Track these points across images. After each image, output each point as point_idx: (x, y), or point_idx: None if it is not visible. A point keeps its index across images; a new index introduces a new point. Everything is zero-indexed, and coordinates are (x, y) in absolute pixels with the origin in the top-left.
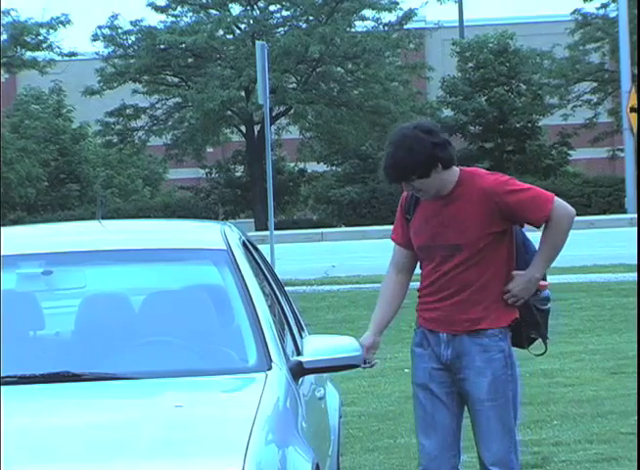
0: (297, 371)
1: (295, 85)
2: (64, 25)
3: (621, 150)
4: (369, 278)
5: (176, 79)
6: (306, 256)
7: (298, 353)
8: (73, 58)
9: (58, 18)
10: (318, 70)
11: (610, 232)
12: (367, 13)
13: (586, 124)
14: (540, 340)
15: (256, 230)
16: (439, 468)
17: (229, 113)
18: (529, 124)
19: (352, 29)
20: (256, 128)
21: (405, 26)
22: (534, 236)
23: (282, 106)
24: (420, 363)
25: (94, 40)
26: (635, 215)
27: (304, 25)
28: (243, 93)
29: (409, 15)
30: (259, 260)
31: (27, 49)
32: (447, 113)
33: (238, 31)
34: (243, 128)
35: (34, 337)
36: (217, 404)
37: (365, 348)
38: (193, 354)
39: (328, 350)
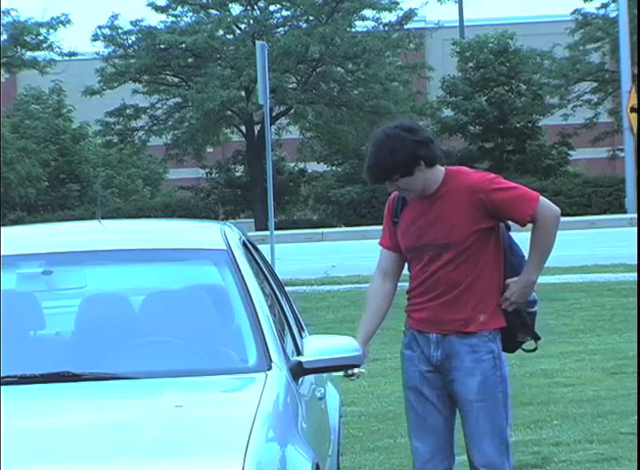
0: (297, 371)
1: (295, 85)
2: (64, 25)
3: (621, 150)
4: (369, 278)
5: (176, 79)
6: (306, 256)
7: (298, 353)
8: (73, 58)
9: (58, 18)
10: (318, 70)
11: (610, 232)
12: (367, 13)
13: (586, 124)
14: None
15: (256, 230)
16: None
17: (229, 113)
18: (529, 124)
19: (352, 29)
20: (256, 128)
21: (405, 26)
22: (521, 237)
23: (282, 106)
24: (410, 366)
25: (94, 40)
26: (635, 215)
27: (304, 25)
28: (243, 93)
29: (409, 15)
30: (259, 260)
31: (27, 49)
32: (447, 113)
33: (238, 31)
34: (243, 128)
35: (34, 337)
36: (217, 404)
37: None
38: (193, 354)
39: (328, 350)
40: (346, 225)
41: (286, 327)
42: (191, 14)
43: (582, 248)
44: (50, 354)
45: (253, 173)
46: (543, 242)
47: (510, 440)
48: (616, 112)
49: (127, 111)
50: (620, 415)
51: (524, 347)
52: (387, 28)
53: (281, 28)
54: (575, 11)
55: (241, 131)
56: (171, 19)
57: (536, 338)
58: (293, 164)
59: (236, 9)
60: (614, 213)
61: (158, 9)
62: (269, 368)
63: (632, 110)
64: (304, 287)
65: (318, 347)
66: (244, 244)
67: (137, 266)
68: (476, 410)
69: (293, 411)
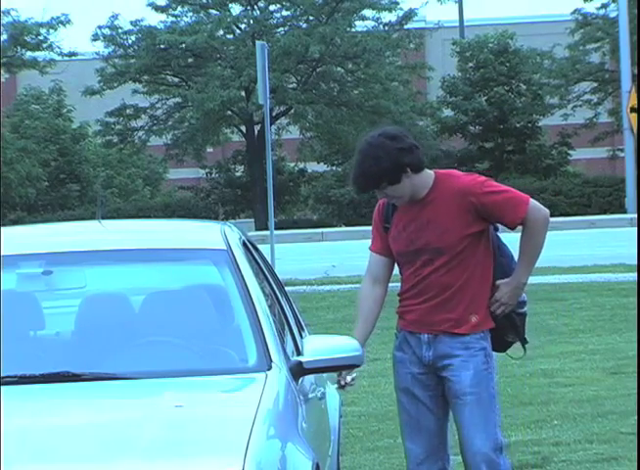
0: (297, 371)
1: (295, 85)
2: (64, 25)
3: (621, 150)
4: None
5: (176, 79)
6: (306, 256)
7: (298, 353)
8: (73, 58)
9: (58, 18)
10: (318, 70)
11: (610, 232)
12: (367, 13)
13: (586, 124)
14: (519, 343)
15: (256, 230)
16: None
17: (229, 113)
18: (529, 124)
19: (352, 29)
20: (256, 128)
21: (405, 26)
22: (509, 238)
23: (282, 106)
24: (401, 368)
25: (94, 40)
26: (635, 215)
27: (304, 25)
28: (243, 93)
29: (409, 15)
30: (259, 260)
31: (27, 49)
32: (447, 113)
33: (238, 31)
34: (243, 128)
35: (34, 337)
36: (217, 404)
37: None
38: (193, 354)
39: (328, 350)
40: (346, 225)
41: (286, 327)
42: (191, 14)
43: (582, 248)
44: (50, 354)
45: (253, 173)
46: (533, 244)
47: (504, 438)
48: (616, 112)
49: (127, 111)
50: (620, 415)
51: (511, 354)
52: (387, 28)
53: (281, 28)
54: (575, 11)
55: (241, 131)
56: (171, 19)
57: (522, 341)
58: (293, 165)
59: (236, 9)
60: (614, 213)
61: (158, 9)
62: (269, 368)
63: (632, 110)
64: (304, 287)
65: (318, 347)
66: (244, 244)
67: (137, 266)
68: (470, 403)
69: (293, 411)
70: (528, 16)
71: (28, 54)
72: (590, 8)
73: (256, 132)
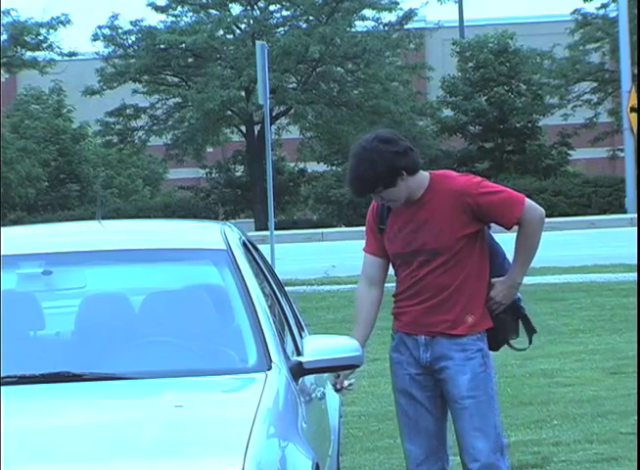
0: (297, 371)
1: (295, 85)
2: (64, 25)
3: (621, 150)
4: None
5: (176, 79)
6: (306, 256)
7: (298, 354)
8: (73, 58)
9: (58, 18)
10: (318, 70)
11: (610, 232)
12: (367, 13)
13: (586, 124)
14: (522, 337)
15: (256, 230)
16: None
17: (229, 113)
18: (529, 124)
19: (352, 29)
20: (256, 128)
21: (405, 26)
22: (503, 237)
23: (282, 106)
24: (399, 370)
25: (94, 40)
26: (635, 215)
27: (304, 25)
28: (243, 93)
29: (409, 15)
30: (259, 260)
31: (27, 49)
32: (447, 113)
33: (238, 31)
34: (243, 128)
35: (34, 337)
36: (217, 404)
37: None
38: (193, 354)
39: (328, 350)
40: (346, 225)
41: (286, 327)
42: (191, 14)
43: (582, 248)
44: (50, 354)
45: (253, 173)
46: (529, 243)
47: (504, 439)
48: (616, 112)
49: (127, 111)
50: (620, 415)
51: (514, 345)
52: (387, 28)
53: (281, 28)
54: (575, 11)
55: (241, 131)
56: (171, 19)
57: (530, 333)
58: (293, 165)
59: (236, 9)
60: (614, 213)
61: (158, 9)
62: (269, 368)
63: (632, 110)
64: (304, 287)
65: (318, 347)
66: (244, 244)
67: (137, 266)
68: (468, 407)
69: (293, 411)
70: (528, 16)
71: (28, 54)
72: (590, 8)
73: (256, 132)
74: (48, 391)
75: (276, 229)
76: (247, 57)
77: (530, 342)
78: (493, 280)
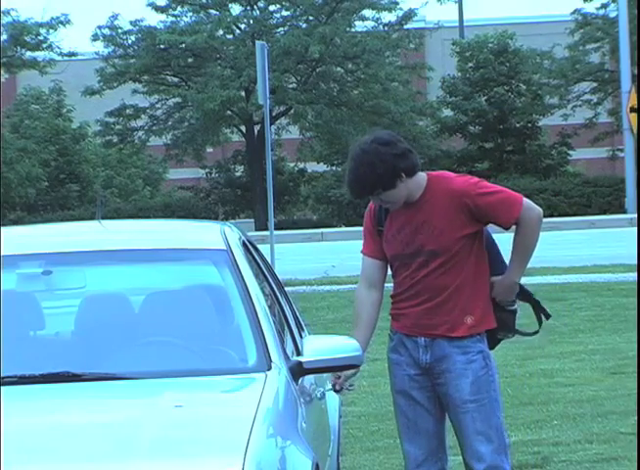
0: (297, 371)
1: (295, 85)
2: (64, 25)
3: (621, 150)
4: None
5: (176, 79)
6: (306, 256)
7: (298, 354)
8: (73, 58)
9: (58, 18)
10: (318, 70)
11: (610, 232)
12: (367, 13)
13: (586, 124)
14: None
15: (256, 230)
16: None
17: (229, 113)
18: (529, 124)
19: (352, 29)
20: (256, 128)
21: (405, 26)
22: (501, 237)
23: (282, 106)
24: (398, 370)
25: (94, 40)
26: (635, 215)
27: (304, 25)
28: (243, 93)
29: (409, 15)
30: (259, 260)
31: (27, 49)
32: (447, 113)
33: (238, 31)
34: (243, 128)
35: (34, 337)
36: (217, 404)
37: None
38: (193, 354)
39: (328, 350)
40: (346, 225)
41: (286, 327)
42: (191, 14)
43: (582, 248)
44: (50, 355)
45: (253, 173)
46: (527, 243)
47: (508, 439)
48: (615, 112)
49: (127, 111)
50: (620, 415)
51: (523, 330)
52: (386, 28)
53: (281, 28)
54: (575, 11)
55: (241, 131)
56: (171, 19)
57: (540, 316)
58: (293, 165)
59: (236, 9)
60: (613, 213)
61: (157, 9)
62: (269, 368)
63: (632, 110)
64: (304, 287)
65: (318, 347)
66: (244, 244)
67: (137, 266)
68: (471, 411)
69: (292, 411)
70: (528, 16)
71: (28, 54)
72: (590, 8)
73: (256, 132)
74: (48, 391)
75: (276, 229)
76: (247, 57)
77: (540, 326)
78: (492, 279)
